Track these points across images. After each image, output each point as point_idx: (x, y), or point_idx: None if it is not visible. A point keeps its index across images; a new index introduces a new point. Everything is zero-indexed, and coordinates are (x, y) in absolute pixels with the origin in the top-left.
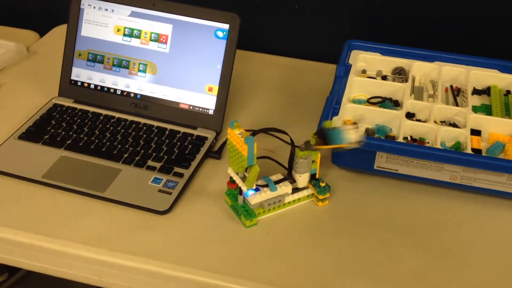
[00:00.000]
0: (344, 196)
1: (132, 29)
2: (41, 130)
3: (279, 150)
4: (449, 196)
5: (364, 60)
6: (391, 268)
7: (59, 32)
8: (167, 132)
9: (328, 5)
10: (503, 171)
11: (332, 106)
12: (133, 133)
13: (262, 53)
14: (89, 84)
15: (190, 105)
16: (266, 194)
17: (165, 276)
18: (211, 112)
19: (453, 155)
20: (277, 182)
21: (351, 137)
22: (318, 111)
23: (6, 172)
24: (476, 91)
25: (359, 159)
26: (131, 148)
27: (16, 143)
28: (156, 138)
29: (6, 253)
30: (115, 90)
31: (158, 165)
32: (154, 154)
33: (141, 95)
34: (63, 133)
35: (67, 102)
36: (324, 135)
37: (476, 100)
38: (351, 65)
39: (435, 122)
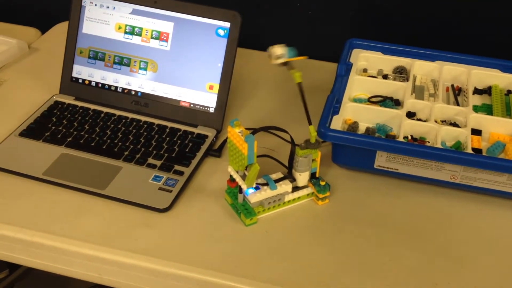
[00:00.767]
0: (344, 195)
1: (133, 27)
2: (42, 127)
3: (279, 149)
4: (449, 196)
5: (365, 59)
6: (390, 267)
7: (61, 29)
8: (167, 130)
9: (330, 3)
10: (504, 171)
11: (333, 104)
12: (134, 130)
13: (262, 51)
14: (90, 82)
15: (190, 103)
16: (266, 193)
17: (165, 273)
18: (211, 110)
19: (454, 154)
20: (277, 180)
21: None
22: (318, 110)
23: (7, 169)
24: (477, 91)
25: (360, 158)
26: (131, 146)
27: (17, 140)
28: (156, 136)
29: (7, 250)
30: (116, 87)
31: (158, 163)
32: (154, 152)
33: (142, 93)
34: (64, 130)
35: (68, 99)
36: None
37: (477, 100)
38: (352, 64)
39: (436, 121)
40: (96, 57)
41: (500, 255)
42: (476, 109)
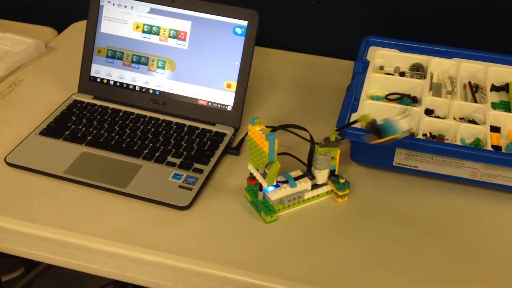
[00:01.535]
0: (363, 192)
1: (151, 26)
2: (62, 126)
3: (297, 146)
4: (469, 193)
5: (382, 56)
6: (412, 264)
7: (77, 29)
8: (186, 129)
9: (345, 1)
10: None
11: (351, 102)
12: (153, 129)
13: (279, 50)
14: (108, 81)
15: (208, 102)
16: (286, 190)
17: (187, 270)
18: (229, 108)
19: (474, 152)
20: (297, 178)
21: (403, 126)
22: (335, 107)
23: (28, 168)
24: (494, 88)
25: (378, 156)
26: (151, 144)
27: (38, 139)
28: (175, 134)
29: (30, 247)
30: (134, 86)
31: (178, 161)
32: (173, 150)
33: (160, 92)
34: (84, 129)
35: (87, 98)
36: (377, 129)
37: (494, 97)
38: (369, 62)
39: (454, 118)
40: (114, 56)
41: None
42: (494, 106)
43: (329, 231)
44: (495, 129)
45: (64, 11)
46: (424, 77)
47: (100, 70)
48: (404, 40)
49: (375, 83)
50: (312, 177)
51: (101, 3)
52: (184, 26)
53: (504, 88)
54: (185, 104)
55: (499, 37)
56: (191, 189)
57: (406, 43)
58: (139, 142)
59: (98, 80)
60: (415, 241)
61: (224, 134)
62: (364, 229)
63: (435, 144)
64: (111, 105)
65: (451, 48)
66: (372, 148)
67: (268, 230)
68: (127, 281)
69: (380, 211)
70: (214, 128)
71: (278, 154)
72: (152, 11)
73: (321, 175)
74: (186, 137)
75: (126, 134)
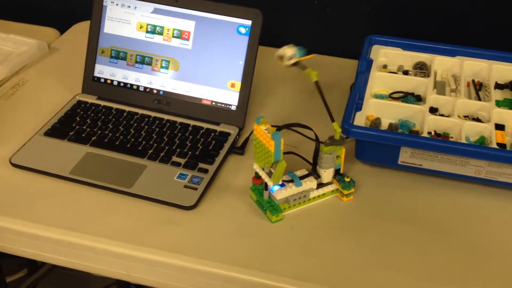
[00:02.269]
0: (369, 191)
1: (155, 26)
2: (66, 127)
3: (302, 145)
4: (474, 191)
5: (385, 55)
6: (417, 262)
7: (80, 29)
8: (190, 128)
9: (348, 0)
10: None
11: (355, 101)
12: (157, 129)
13: None
14: (112, 81)
15: (212, 101)
16: (291, 190)
17: (192, 270)
18: (233, 108)
19: (480, 150)
20: (302, 177)
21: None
22: (339, 106)
23: (33, 169)
24: (498, 86)
25: (383, 154)
26: (155, 144)
27: (42, 139)
28: (179, 134)
29: (35, 248)
30: (138, 86)
31: (182, 161)
32: (178, 150)
33: (164, 92)
34: (88, 129)
35: (91, 99)
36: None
37: (498, 95)
38: (372, 60)
39: (459, 116)
40: (118, 56)
41: None
42: (498, 104)
43: (334, 230)
44: (499, 127)
45: (66, 12)
46: (428, 76)
47: (104, 71)
48: (407, 38)
49: (379, 82)
50: (317, 176)
51: (104, 3)
52: (187, 26)
53: (508, 86)
54: (189, 104)
55: (503, 35)
56: (196, 188)
57: (410, 41)
58: (144, 142)
59: (102, 80)
60: (420, 239)
61: (229, 134)
62: (370, 228)
63: (440, 143)
64: (115, 106)
65: (454, 46)
66: (377, 147)
67: (274, 229)
68: (133, 282)
69: (386, 209)
70: (218, 128)
71: (283, 153)
72: (155, 11)
73: (326, 174)
74: (191, 137)
75: (130, 134)
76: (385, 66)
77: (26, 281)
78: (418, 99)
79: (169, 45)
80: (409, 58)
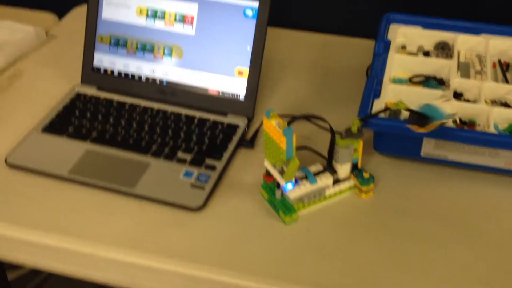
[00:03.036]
0: (389, 186)
1: (156, 10)
2: (64, 122)
3: (316, 137)
4: (504, 184)
5: (404, 34)
6: (441, 263)
7: (79, 14)
8: (196, 121)
9: None
10: None
11: (373, 87)
12: (161, 122)
13: (290, 30)
14: (112, 70)
15: (219, 91)
16: (305, 187)
17: (200, 278)
18: (241, 97)
19: (510, 140)
20: (317, 173)
21: (447, 109)
22: (355, 93)
23: (30, 168)
24: None
25: (405, 146)
26: (159, 139)
27: (39, 136)
28: (185, 127)
29: (32, 256)
30: (140, 76)
31: (188, 157)
32: (183, 144)
33: (167, 81)
34: (88, 124)
35: (90, 90)
36: (421, 117)
37: None
38: (390, 41)
39: (486, 102)
40: (118, 44)
41: None
42: None
43: (353, 230)
44: None
45: None
46: (451, 56)
47: (103, 59)
48: (427, 16)
49: (398, 65)
50: (333, 172)
51: None
52: (190, 9)
53: None
54: (194, 93)
55: None
56: (203, 188)
57: (430, 19)
58: (147, 137)
59: (102, 70)
60: (444, 238)
61: (237, 126)
62: (391, 226)
63: (468, 133)
64: (116, 97)
65: (478, 24)
66: (398, 138)
67: (288, 230)
68: None
69: (408, 206)
70: (226, 119)
71: (296, 148)
72: None
73: (343, 169)
74: (197, 130)
75: (132, 128)
76: (403, 47)
77: (31, 282)
78: (440, 82)
79: (172, 31)
80: (430, 37)
